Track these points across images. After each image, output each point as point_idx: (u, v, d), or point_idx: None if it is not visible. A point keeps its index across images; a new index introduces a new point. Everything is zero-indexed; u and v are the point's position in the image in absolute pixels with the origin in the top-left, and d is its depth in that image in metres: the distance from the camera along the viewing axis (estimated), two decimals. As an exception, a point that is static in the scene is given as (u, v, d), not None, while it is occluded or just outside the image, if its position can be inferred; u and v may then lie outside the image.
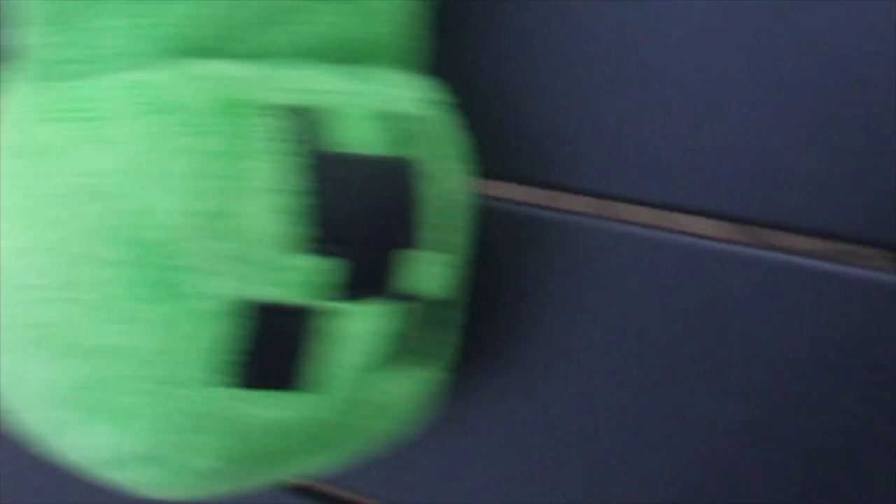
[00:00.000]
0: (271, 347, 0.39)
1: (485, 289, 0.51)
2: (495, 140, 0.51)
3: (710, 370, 0.48)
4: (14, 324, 0.39)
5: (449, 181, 0.44)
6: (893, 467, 0.46)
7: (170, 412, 0.38)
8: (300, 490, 0.57)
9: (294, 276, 0.39)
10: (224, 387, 0.38)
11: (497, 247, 0.51)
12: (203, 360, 0.38)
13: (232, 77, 0.39)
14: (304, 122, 0.39)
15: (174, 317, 0.37)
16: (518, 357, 0.52)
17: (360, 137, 0.40)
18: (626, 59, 0.49)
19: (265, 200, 0.38)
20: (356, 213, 0.40)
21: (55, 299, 0.37)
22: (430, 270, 0.43)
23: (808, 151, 0.46)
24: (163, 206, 0.37)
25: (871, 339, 0.46)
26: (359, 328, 0.41)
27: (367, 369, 0.42)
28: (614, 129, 0.49)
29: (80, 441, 0.40)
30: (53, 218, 0.38)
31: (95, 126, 0.38)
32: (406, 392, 0.44)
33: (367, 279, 0.41)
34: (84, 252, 0.37)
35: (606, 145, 0.49)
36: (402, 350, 0.43)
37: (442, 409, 0.53)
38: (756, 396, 0.48)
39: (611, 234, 0.50)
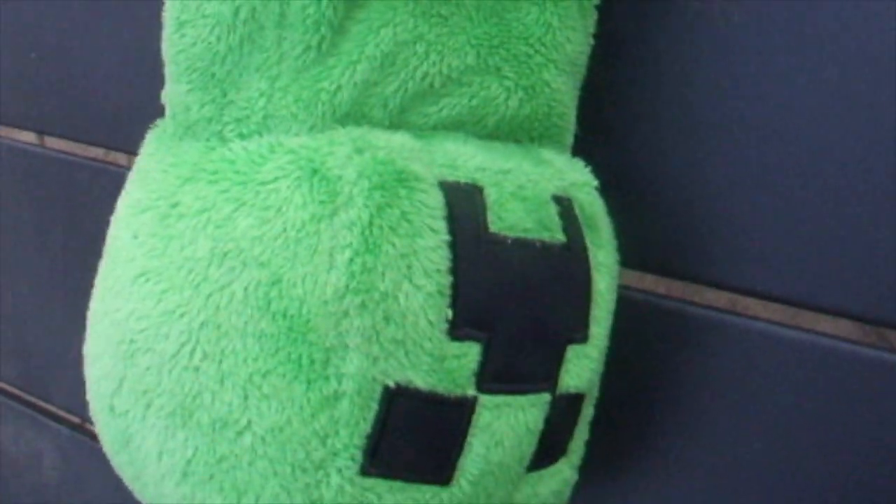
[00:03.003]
0: (418, 438, 0.37)
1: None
2: (635, 228, 0.48)
3: (834, 471, 0.46)
4: (158, 394, 0.37)
5: (607, 270, 0.42)
6: None
7: (304, 499, 0.36)
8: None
9: (453, 365, 0.36)
10: (360, 476, 0.36)
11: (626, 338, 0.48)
12: (345, 447, 0.36)
13: (393, 148, 0.37)
14: (469, 200, 0.37)
15: (321, 399, 0.35)
16: (640, 458, 0.50)
17: (527, 219, 0.38)
18: (778, 157, 0.46)
19: (426, 281, 0.36)
20: (521, 302, 0.38)
21: (199, 370, 0.36)
22: (585, 364, 0.41)
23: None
24: (321, 281, 0.35)
25: None
26: (515, 423, 0.38)
27: (514, 468, 0.39)
28: (758, 223, 0.46)
29: None
30: (198, 283, 0.36)
31: (250, 190, 0.36)
32: (544, 494, 0.42)
33: (529, 372, 0.38)
34: (232, 323, 0.35)
35: (745, 240, 0.47)
36: (545, 448, 0.40)
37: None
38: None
39: (741, 329, 0.47)
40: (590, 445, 0.46)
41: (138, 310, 0.37)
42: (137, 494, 0.41)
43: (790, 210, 0.45)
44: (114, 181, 0.67)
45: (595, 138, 0.47)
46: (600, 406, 0.46)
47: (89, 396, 0.41)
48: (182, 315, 0.36)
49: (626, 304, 0.46)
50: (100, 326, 0.39)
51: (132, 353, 0.37)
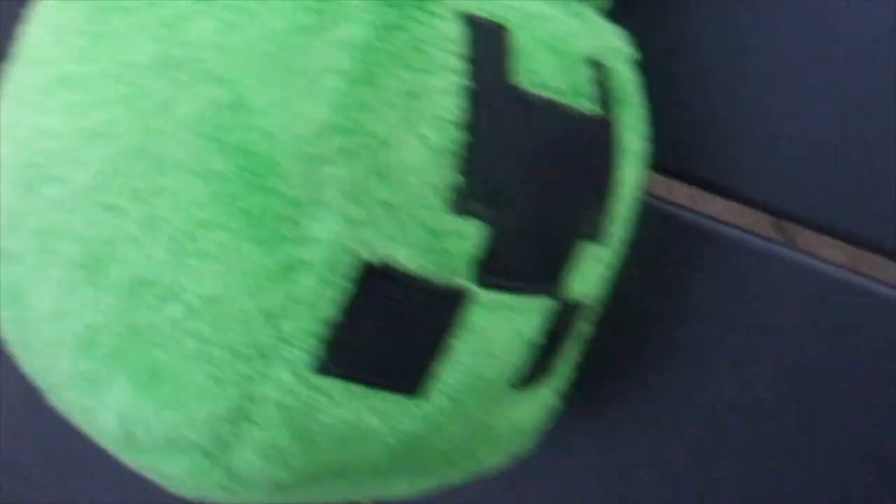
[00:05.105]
0: (393, 333, 0.29)
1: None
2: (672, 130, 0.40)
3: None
4: (63, 237, 0.29)
5: (635, 159, 0.34)
6: None
7: (237, 394, 0.28)
8: None
9: (451, 245, 0.29)
10: (314, 372, 0.28)
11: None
12: (300, 333, 0.28)
13: None
14: (495, 41, 0.29)
15: (279, 267, 0.27)
16: (628, 385, 0.43)
17: (559, 78, 0.31)
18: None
19: (434, 133, 0.28)
20: (539, 180, 0.30)
21: (121, 211, 0.28)
22: (595, 269, 0.33)
23: None
24: (298, 112, 0.27)
25: None
26: (509, 328, 0.31)
27: (498, 385, 0.32)
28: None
29: (114, 410, 0.29)
30: (132, 96, 0.28)
31: None
32: (518, 420, 0.35)
33: (534, 267, 0.31)
34: (172, 154, 0.27)
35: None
36: (532, 364, 0.33)
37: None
38: None
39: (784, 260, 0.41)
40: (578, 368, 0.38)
41: (50, 125, 0.29)
42: (23, 362, 0.32)
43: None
44: None
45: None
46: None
47: (-26, 233, 0.33)
48: (106, 136, 0.28)
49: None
50: None
51: (34, 181, 0.29)
